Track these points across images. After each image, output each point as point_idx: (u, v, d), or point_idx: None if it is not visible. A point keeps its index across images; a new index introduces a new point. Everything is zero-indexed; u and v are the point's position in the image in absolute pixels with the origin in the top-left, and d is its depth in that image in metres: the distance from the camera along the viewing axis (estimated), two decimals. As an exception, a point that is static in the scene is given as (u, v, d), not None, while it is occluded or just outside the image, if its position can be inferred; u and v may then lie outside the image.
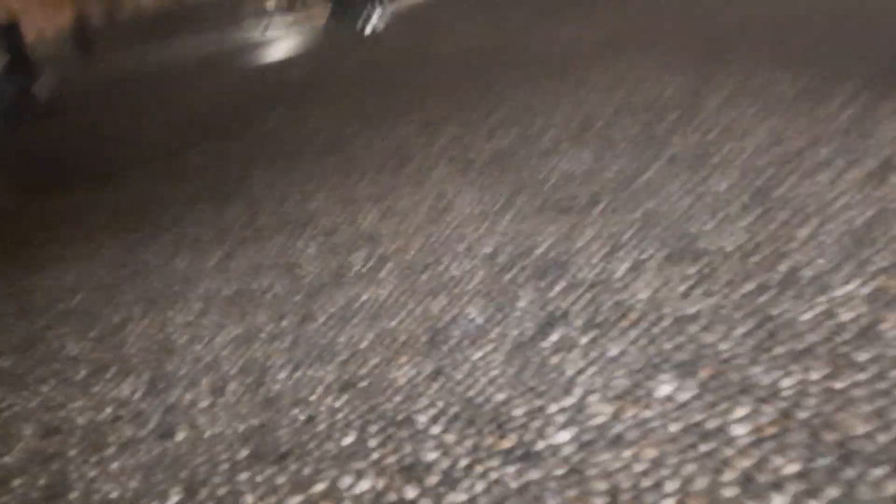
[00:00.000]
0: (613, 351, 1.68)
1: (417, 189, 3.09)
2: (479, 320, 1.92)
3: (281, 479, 1.49)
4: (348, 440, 1.57)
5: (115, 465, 1.66)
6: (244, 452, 1.60)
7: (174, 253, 3.03)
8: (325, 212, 3.08)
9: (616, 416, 1.47)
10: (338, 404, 1.71)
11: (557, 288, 2.01)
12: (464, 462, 1.43)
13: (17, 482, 1.68)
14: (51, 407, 1.99)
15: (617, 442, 1.40)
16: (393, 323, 2.02)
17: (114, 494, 1.56)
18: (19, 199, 4.68)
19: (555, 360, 1.69)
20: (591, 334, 1.76)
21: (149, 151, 5.19)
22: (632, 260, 2.08)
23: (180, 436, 1.72)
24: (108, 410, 1.91)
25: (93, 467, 1.67)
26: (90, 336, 2.40)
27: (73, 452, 1.75)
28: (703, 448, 1.34)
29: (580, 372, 1.63)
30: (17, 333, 2.55)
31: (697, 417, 1.42)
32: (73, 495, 1.59)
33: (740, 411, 1.41)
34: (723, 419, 1.40)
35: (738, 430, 1.36)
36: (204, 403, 1.84)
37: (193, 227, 3.31)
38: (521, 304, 1.97)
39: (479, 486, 1.36)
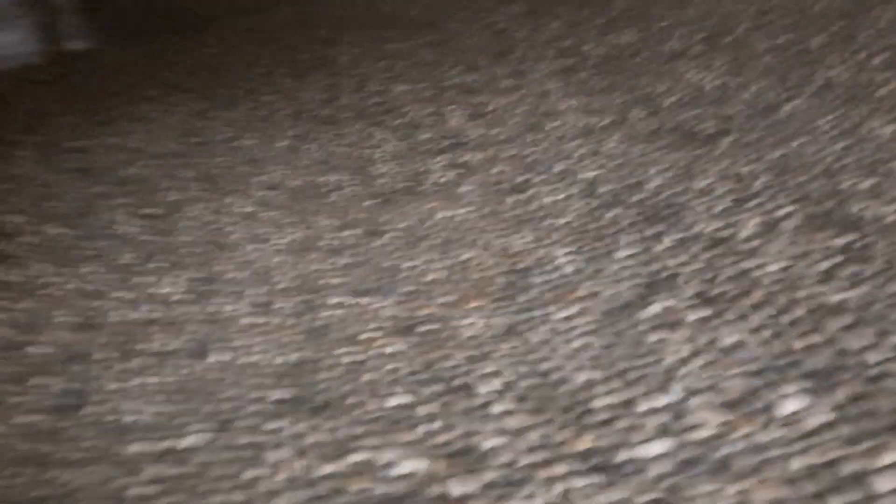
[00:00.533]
0: (728, 339, 1.36)
1: (516, 85, 2.72)
2: (568, 269, 1.63)
3: (311, 439, 1.28)
4: (395, 402, 1.34)
5: (136, 382, 1.49)
6: (276, 395, 1.40)
7: (245, 126, 2.79)
8: (409, 99, 2.76)
9: (724, 433, 1.18)
10: (390, 350, 1.47)
11: (667, 241, 1.68)
12: (525, 460, 1.18)
13: (34, 381, 1.53)
14: (87, 293, 1.83)
15: (721, 470, 1.12)
16: (467, 254, 1.75)
17: (128, 419, 1.39)
18: (101, 42, 4.49)
19: (653, 338, 1.39)
20: (703, 312, 1.44)
21: (237, 3, 4.90)
22: (763, 215, 1.72)
23: (212, 358, 1.53)
24: (144, 310, 1.73)
25: (114, 378, 1.51)
26: (142, 213, 2.22)
27: (98, 355, 1.59)
28: (833, 503, 1.04)
29: (683, 362, 1.33)
30: (71, 199, 2.39)
31: (830, 454, 1.12)
32: (86, 411, 1.42)
33: (888, 457, 1.10)
34: (863, 464, 1.09)
35: (883, 486, 1.06)
36: (245, 320, 1.64)
37: (270, 97, 3.06)
38: (620, 255, 1.65)
39: (540, 499, 1.11)
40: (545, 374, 1.35)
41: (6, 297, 1.86)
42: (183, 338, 1.61)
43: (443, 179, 2.13)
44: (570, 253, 1.68)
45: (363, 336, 1.52)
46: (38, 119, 3.26)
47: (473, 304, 1.56)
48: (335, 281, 1.73)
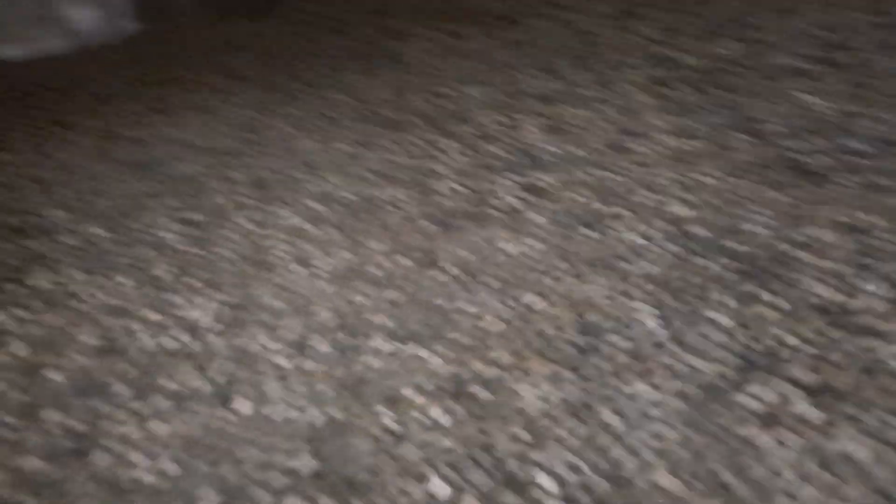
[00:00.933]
0: (844, 446, 1.11)
1: (598, 96, 2.47)
2: (646, 331, 1.39)
3: (330, 529, 1.09)
4: (429, 489, 1.13)
5: (148, 428, 1.33)
6: (297, 463, 1.21)
7: (304, 125, 2.62)
8: (481, 105, 2.54)
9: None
10: (431, 418, 1.27)
11: (768, 303, 1.42)
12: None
13: (43, 415, 1.39)
14: (113, 309, 1.69)
15: None
16: (530, 299, 1.52)
17: (131, 475, 1.23)
18: (176, 22, 4.40)
19: (765, 441, 1.15)
20: (811, 404, 1.19)
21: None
22: (889, 280, 1.45)
23: (238, 405, 1.36)
24: (170, 336, 1.58)
25: (126, 420, 1.35)
26: (185, 217, 2.07)
27: (114, 388, 1.44)
28: None
29: (785, 477, 1.09)
30: (118, 195, 2.27)
31: None
32: (89, 459, 1.27)
33: None
34: None
35: None
36: (275, 360, 1.46)
37: (334, 94, 2.88)
38: (710, 317, 1.41)
39: None
40: (612, 473, 1.12)
41: (31, 308, 1.73)
42: (206, 376, 1.44)
43: (509, 203, 1.90)
44: (649, 310, 1.44)
45: (403, 394, 1.32)
46: (103, 103, 3.17)
47: (532, 366, 1.35)
48: (378, 319, 1.54)
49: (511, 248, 1.72)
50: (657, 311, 1.43)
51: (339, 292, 1.65)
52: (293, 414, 1.31)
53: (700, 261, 1.56)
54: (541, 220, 1.81)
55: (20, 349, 1.59)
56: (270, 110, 2.80)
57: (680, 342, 1.34)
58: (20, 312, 1.72)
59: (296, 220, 1.98)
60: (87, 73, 3.66)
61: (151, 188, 2.29)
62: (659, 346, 1.35)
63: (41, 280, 1.85)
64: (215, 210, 2.09)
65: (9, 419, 1.39)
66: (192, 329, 1.59)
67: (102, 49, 4.14)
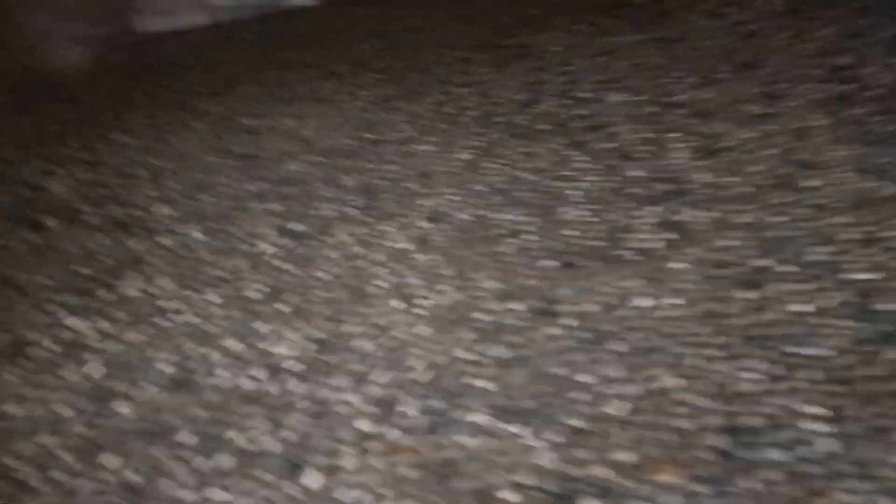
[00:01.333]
0: None
1: (764, 114, 2.11)
2: (816, 449, 1.09)
3: None
4: None
5: (211, 492, 1.16)
6: (364, 575, 1.01)
7: (426, 126, 2.41)
8: (623, 116, 2.24)
9: None
10: (532, 533, 1.03)
11: None
12: None
13: (101, 459, 1.26)
14: (196, 333, 1.55)
15: None
16: (671, 379, 1.25)
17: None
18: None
19: None
20: None
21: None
22: None
23: (308, 478, 1.17)
24: (249, 374, 1.41)
25: (182, 481, 1.19)
26: (287, 227, 1.91)
27: (180, 435, 1.29)
28: None
29: None
30: (224, 193, 2.14)
31: None
32: (139, 530, 1.12)
33: None
34: None
35: None
36: (361, 422, 1.27)
37: (461, 90, 2.65)
38: (906, 439, 1.09)
39: None
40: None
41: (115, 320, 1.62)
42: (278, 433, 1.27)
43: (648, 244, 1.62)
44: (822, 418, 1.13)
45: (498, 495, 1.09)
46: (227, 86, 3.09)
47: (663, 477, 1.08)
48: (479, 384, 1.31)
49: (646, 303, 1.45)
50: (830, 417, 1.13)
51: (439, 341, 1.43)
52: (367, 499, 1.11)
53: (891, 353, 1.23)
54: (686, 270, 1.52)
55: (96, 370, 1.48)
56: (394, 107, 2.61)
57: (858, 475, 1.04)
58: (104, 324, 1.62)
59: (402, 242, 1.78)
60: (218, 52, 3.61)
61: (258, 188, 2.16)
62: (831, 468, 1.05)
63: (132, 287, 1.74)
64: (319, 221, 1.92)
65: (67, 458, 1.27)
66: (274, 368, 1.42)
67: (236, 25, 4.10)
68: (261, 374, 1.41)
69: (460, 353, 1.39)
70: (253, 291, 1.67)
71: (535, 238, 1.72)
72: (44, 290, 1.76)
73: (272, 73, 3.16)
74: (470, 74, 2.79)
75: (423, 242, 1.77)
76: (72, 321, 1.63)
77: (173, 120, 2.80)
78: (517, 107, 2.44)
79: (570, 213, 1.79)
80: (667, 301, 1.44)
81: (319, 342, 1.48)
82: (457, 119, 2.43)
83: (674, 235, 1.64)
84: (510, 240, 1.73)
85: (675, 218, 1.71)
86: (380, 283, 1.64)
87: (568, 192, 1.89)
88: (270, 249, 1.83)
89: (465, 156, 2.18)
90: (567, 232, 1.72)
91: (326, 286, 1.65)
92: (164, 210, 2.09)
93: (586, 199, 1.84)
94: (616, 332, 1.39)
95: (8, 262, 1.91)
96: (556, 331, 1.41)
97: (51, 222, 2.10)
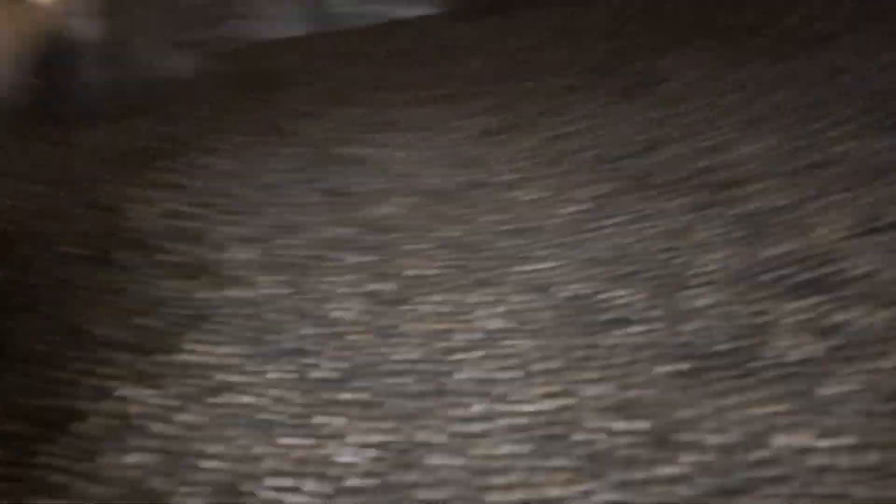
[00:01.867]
0: None
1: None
2: None
3: None
4: None
5: None
6: None
7: (532, 168, 2.16)
8: (762, 169, 1.92)
9: None
10: None
11: None
12: None
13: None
14: (257, 422, 1.36)
15: None
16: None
17: None
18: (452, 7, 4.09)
19: None
20: None
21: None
22: None
23: None
24: (304, 492, 1.21)
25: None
26: (371, 289, 1.71)
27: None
28: None
29: None
30: (310, 236, 1.96)
31: None
32: None
33: None
34: None
35: None
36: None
37: (574, 124, 2.39)
38: None
39: None
40: None
41: (168, 394, 1.45)
42: None
43: (794, 354, 1.32)
44: None
45: None
46: (324, 106, 2.93)
47: None
48: (577, 544, 1.06)
49: (795, 442, 1.15)
50: None
51: (531, 470, 1.18)
52: None
53: None
54: (847, 397, 1.21)
55: (138, 461, 1.31)
56: (496, 140, 2.37)
57: None
58: (156, 399, 1.45)
59: (493, 320, 1.54)
60: (319, 66, 3.46)
61: (342, 234, 1.97)
62: None
63: (192, 352, 1.57)
64: (403, 284, 1.71)
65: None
66: (336, 481, 1.21)
67: (340, 36, 3.96)
68: (317, 493, 1.20)
69: (556, 490, 1.14)
70: (320, 371, 1.47)
71: (651, 331, 1.44)
72: (100, 346, 1.62)
73: (372, 94, 2.98)
74: (585, 106, 2.51)
75: (519, 321, 1.53)
76: (122, 389, 1.48)
77: (264, 143, 2.65)
78: (636, 150, 2.16)
79: (694, 301, 1.50)
80: (825, 442, 1.14)
81: (389, 452, 1.26)
82: (567, 161, 2.17)
83: (830, 343, 1.33)
84: (620, 330, 1.46)
85: (832, 319, 1.39)
86: (463, 376, 1.41)
87: (692, 270, 1.60)
88: (346, 316, 1.63)
89: (572, 209, 1.91)
90: (689, 327, 1.44)
91: (402, 373, 1.43)
92: (240, 254, 1.93)
93: (714, 282, 1.55)
94: (752, 482, 1.10)
95: (71, 302, 1.79)
96: (676, 470, 1.14)
97: (122, 258, 1.97)
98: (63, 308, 1.76)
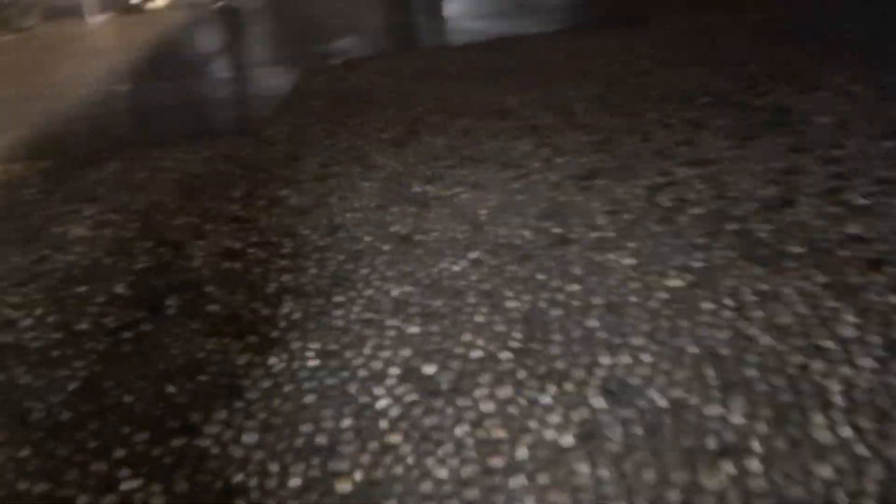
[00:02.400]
0: None
1: None
2: None
3: None
4: None
5: None
6: None
7: (630, 223, 1.84)
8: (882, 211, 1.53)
9: None
10: None
11: None
12: None
13: None
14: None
15: None
16: None
17: None
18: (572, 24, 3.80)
19: None
20: None
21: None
22: None
23: None
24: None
25: None
26: (418, 370, 1.45)
27: None
28: None
29: None
30: (375, 299, 1.73)
31: None
32: None
33: None
34: None
35: None
36: None
37: (686, 168, 2.05)
38: None
39: None
40: None
41: (176, 496, 1.25)
42: None
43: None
44: None
45: None
46: (409, 134, 2.71)
47: None
48: None
49: None
50: None
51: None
52: None
53: None
54: None
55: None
56: (591, 184, 2.06)
57: None
58: (157, 500, 1.25)
59: (560, 433, 1.25)
60: (413, 86, 3.25)
61: (401, 293, 1.72)
62: None
63: (213, 438, 1.37)
64: (459, 366, 1.44)
65: None
66: None
67: (440, 52, 3.73)
68: None
69: None
70: (345, 483, 1.23)
71: (768, 469, 1.11)
72: (122, 418, 1.44)
73: (462, 120, 2.73)
74: (701, 147, 2.16)
75: (588, 439, 1.23)
76: (128, 482, 1.29)
77: (343, 174, 2.46)
78: (761, 208, 1.80)
79: (826, 433, 1.15)
80: None
81: None
82: (674, 217, 1.84)
83: None
84: (726, 463, 1.14)
85: None
86: (514, 509, 1.13)
87: (824, 383, 1.24)
88: (388, 408, 1.38)
89: (674, 282, 1.59)
90: (820, 470, 1.09)
91: (444, 498, 1.17)
92: (291, 312, 1.72)
93: (855, 406, 1.19)
94: None
95: (109, 356, 1.63)
96: None
97: (171, 305, 1.81)
98: (97, 363, 1.61)
